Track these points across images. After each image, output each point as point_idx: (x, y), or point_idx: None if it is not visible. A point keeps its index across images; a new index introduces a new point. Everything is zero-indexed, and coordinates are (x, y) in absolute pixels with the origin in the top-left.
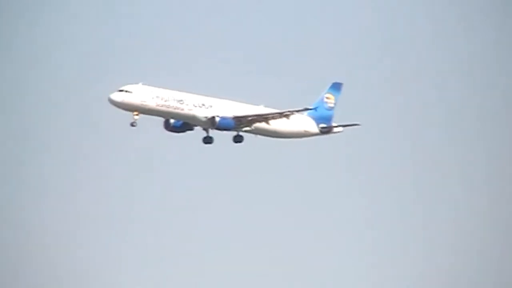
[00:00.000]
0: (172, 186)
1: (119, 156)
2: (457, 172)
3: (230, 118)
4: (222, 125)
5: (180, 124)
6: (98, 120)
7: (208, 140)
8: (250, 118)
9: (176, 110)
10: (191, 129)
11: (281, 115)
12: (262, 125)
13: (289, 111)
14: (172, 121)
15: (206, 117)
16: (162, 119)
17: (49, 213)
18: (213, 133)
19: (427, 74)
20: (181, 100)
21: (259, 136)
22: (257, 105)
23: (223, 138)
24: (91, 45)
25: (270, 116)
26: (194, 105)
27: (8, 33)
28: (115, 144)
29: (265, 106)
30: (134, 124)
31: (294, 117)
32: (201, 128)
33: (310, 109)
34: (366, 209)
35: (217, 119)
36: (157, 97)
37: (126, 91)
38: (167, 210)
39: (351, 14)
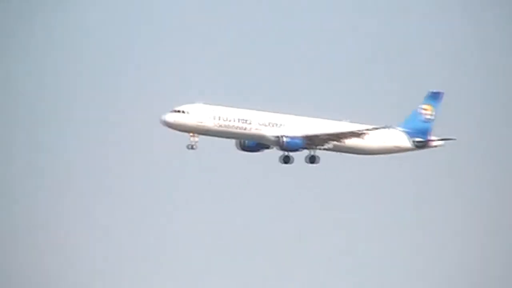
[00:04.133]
0: (241, 207)
1: (190, 177)
2: None
3: (299, 137)
4: (291, 146)
5: (254, 142)
6: (164, 141)
7: (286, 159)
8: (322, 137)
9: (240, 130)
10: (268, 148)
11: (353, 133)
12: (340, 143)
13: (361, 130)
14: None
15: (275, 137)
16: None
17: (105, 244)
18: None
19: None
20: (246, 119)
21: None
22: (341, 120)
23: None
24: (157, 63)
25: (342, 135)
26: (260, 123)
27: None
28: (183, 166)
29: (351, 122)
30: (192, 147)
31: (383, 132)
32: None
33: (378, 128)
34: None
35: (284, 139)
36: (217, 117)
37: (182, 111)
38: (240, 230)
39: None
